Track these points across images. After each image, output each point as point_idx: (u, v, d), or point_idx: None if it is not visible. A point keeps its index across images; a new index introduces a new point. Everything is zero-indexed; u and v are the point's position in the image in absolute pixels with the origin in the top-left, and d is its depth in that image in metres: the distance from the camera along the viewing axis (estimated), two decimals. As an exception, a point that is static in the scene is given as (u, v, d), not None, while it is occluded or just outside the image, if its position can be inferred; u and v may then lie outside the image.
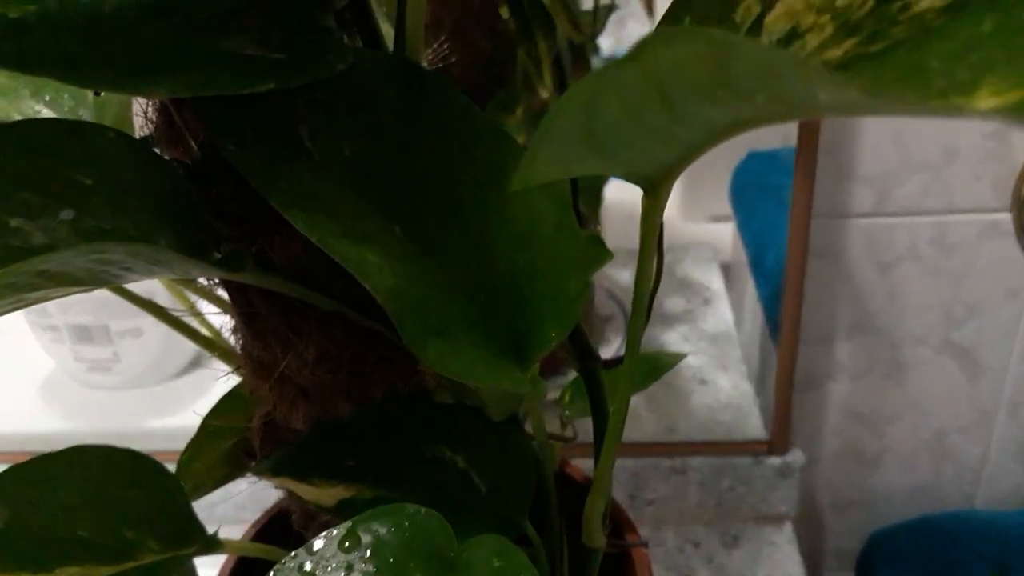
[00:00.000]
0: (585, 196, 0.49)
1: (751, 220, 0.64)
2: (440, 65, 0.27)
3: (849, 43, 0.15)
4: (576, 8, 0.63)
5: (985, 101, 0.09)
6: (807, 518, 0.60)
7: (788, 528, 0.56)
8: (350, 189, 0.21)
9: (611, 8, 0.63)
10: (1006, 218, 0.49)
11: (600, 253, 0.24)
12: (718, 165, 0.65)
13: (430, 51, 0.27)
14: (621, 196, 0.58)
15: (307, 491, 0.26)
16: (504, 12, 0.41)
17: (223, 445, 0.28)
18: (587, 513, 0.27)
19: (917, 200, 0.50)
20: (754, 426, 0.58)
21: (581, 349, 0.27)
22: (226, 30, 0.18)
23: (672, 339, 0.71)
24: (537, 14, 0.44)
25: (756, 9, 0.17)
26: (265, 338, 0.26)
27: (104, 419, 0.59)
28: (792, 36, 0.16)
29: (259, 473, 0.26)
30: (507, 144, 0.22)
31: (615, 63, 0.10)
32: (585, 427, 0.31)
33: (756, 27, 0.17)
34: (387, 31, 0.23)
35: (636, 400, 0.62)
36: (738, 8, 0.18)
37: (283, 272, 0.24)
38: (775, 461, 0.55)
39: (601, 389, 0.27)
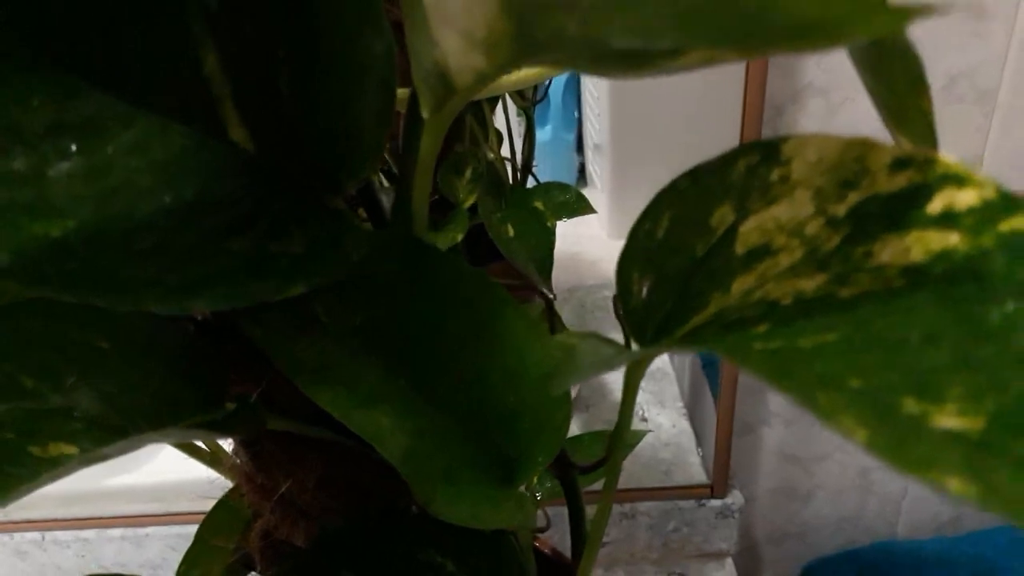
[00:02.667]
0: (537, 266, 0.51)
1: None
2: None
3: (821, 278, 0.17)
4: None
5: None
6: (746, 552, 0.63)
7: (729, 563, 0.59)
8: (362, 353, 0.22)
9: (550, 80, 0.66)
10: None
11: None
12: (644, 184, 0.68)
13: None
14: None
15: (308, 604, 0.28)
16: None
17: (221, 558, 0.29)
18: (569, 610, 0.28)
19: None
20: (693, 463, 0.61)
21: (561, 460, 0.29)
22: (251, 228, 0.20)
23: (612, 377, 0.74)
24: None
25: (731, 217, 0.19)
26: (267, 466, 0.27)
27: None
28: (764, 252, 0.18)
29: (260, 590, 0.27)
30: (495, 294, 0.24)
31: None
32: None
33: (730, 235, 0.19)
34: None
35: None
36: (714, 213, 0.20)
37: (285, 411, 0.25)
38: (716, 503, 0.58)
39: (579, 496, 0.29)
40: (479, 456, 0.25)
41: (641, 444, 0.66)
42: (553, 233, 0.54)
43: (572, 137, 0.78)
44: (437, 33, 0.17)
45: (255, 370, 0.25)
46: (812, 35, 0.11)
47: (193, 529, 0.58)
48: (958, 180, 0.15)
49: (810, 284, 0.17)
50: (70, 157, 0.19)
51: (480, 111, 0.63)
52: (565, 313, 0.80)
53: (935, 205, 0.15)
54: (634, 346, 0.22)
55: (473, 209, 0.57)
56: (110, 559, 0.58)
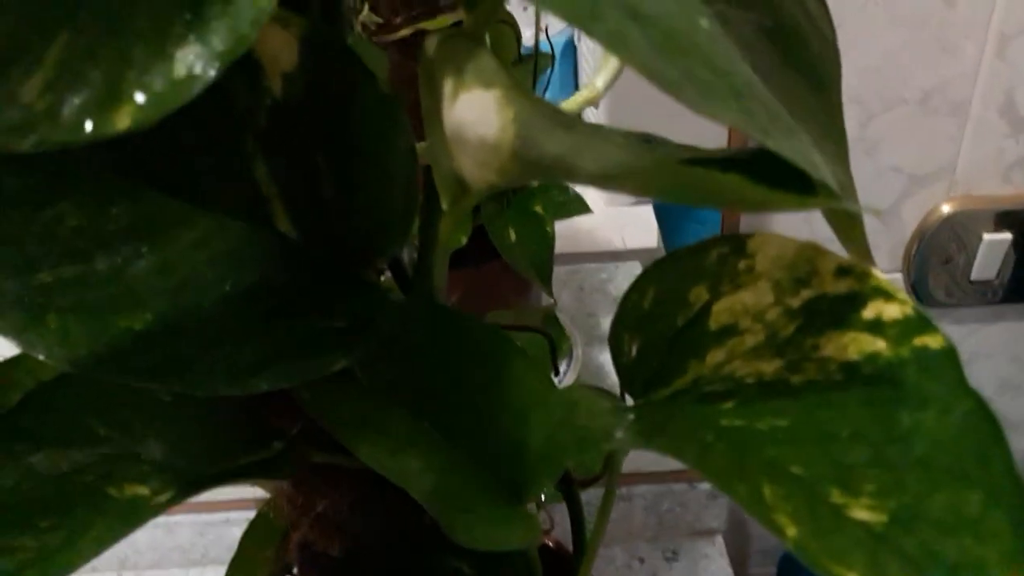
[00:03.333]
0: (537, 271, 0.54)
1: (677, 242, 0.70)
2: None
3: (777, 363, 0.20)
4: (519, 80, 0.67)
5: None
6: (735, 529, 0.68)
7: (719, 540, 0.64)
8: (393, 405, 0.26)
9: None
10: (898, 277, 0.57)
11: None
12: None
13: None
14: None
15: (344, 607, 0.32)
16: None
17: (263, 565, 0.33)
18: (570, 606, 0.33)
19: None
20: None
21: (563, 477, 0.33)
22: (299, 309, 0.23)
23: (609, 360, 0.78)
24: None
25: (705, 296, 0.23)
26: (305, 489, 0.30)
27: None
28: (732, 331, 0.22)
29: (302, 595, 0.31)
30: (506, 347, 0.28)
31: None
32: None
33: (705, 311, 0.23)
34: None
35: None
36: (692, 291, 0.23)
37: (321, 444, 0.29)
38: (706, 486, 0.62)
39: (579, 506, 0.33)
40: (491, 484, 0.29)
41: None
42: (552, 238, 0.57)
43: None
44: (456, 158, 0.20)
45: (292, 410, 0.28)
46: (749, 208, 0.15)
47: (220, 516, 0.62)
48: (886, 295, 0.18)
49: (769, 368, 0.20)
50: (144, 256, 0.22)
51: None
52: (564, 296, 0.83)
53: (868, 312, 0.19)
54: (628, 399, 0.25)
55: (474, 210, 0.60)
56: (145, 543, 0.62)
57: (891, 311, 0.18)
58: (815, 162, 0.16)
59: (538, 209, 0.60)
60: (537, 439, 0.29)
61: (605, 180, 0.16)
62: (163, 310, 0.22)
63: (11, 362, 0.28)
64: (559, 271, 0.93)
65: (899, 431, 0.16)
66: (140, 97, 0.16)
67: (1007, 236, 0.54)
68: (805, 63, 0.21)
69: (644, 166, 0.15)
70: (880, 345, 0.18)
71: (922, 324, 0.17)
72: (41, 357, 0.20)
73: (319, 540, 0.31)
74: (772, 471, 0.17)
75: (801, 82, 0.21)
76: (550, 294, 0.53)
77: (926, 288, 0.57)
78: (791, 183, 0.16)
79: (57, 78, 0.16)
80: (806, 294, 0.20)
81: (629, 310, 0.25)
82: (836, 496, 0.16)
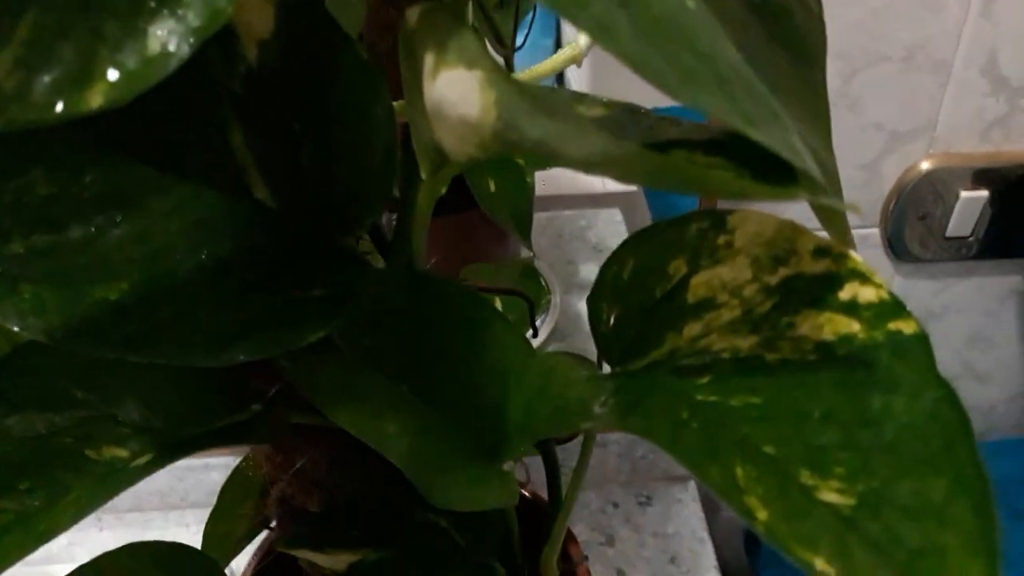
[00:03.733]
0: (516, 223, 0.54)
1: (657, 197, 0.70)
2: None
3: (753, 339, 0.20)
4: (500, 25, 0.66)
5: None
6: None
7: (692, 486, 0.65)
8: (370, 368, 0.26)
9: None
10: (875, 231, 0.57)
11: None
12: (623, 94, 0.69)
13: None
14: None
15: (322, 559, 0.32)
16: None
17: (243, 518, 0.34)
18: (544, 559, 0.33)
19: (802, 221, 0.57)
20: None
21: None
22: (277, 278, 0.23)
23: (580, 261, 0.78)
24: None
25: (684, 269, 0.23)
26: (283, 447, 0.31)
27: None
28: (709, 305, 0.22)
29: (282, 548, 0.32)
30: (485, 311, 0.28)
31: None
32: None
33: (683, 284, 0.23)
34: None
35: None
36: (671, 264, 0.23)
37: (300, 405, 0.29)
38: (681, 434, 0.63)
39: (555, 461, 0.34)
40: (468, 446, 0.29)
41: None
42: (532, 189, 0.57)
43: (551, 42, 0.76)
44: (437, 132, 0.20)
45: (270, 373, 0.28)
46: (732, 197, 0.15)
47: (199, 462, 0.62)
48: (862, 277, 0.19)
49: (744, 344, 0.21)
50: (118, 225, 0.22)
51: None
52: (542, 242, 0.83)
53: (845, 294, 0.19)
54: (605, 367, 0.26)
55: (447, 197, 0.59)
56: (123, 489, 0.63)
57: (867, 294, 0.18)
58: (798, 150, 0.16)
59: (518, 160, 0.60)
60: (515, 407, 0.29)
61: (587, 166, 0.15)
62: (138, 279, 0.21)
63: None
64: (538, 217, 0.92)
65: (870, 414, 0.17)
66: (113, 75, 0.16)
67: (983, 193, 0.55)
68: (791, 38, 0.21)
69: (626, 154, 0.15)
70: (855, 327, 0.18)
71: (897, 309, 0.18)
72: (15, 328, 0.20)
73: (298, 495, 0.32)
74: (744, 450, 0.17)
75: (786, 57, 0.21)
76: (529, 248, 0.53)
77: (902, 242, 0.58)
78: (774, 170, 0.16)
79: (26, 56, 0.15)
80: (783, 272, 0.21)
81: (608, 280, 0.25)
82: (806, 477, 0.16)
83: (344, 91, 0.23)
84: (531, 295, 0.48)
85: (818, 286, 0.20)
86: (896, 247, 0.58)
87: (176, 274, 0.22)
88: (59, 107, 0.15)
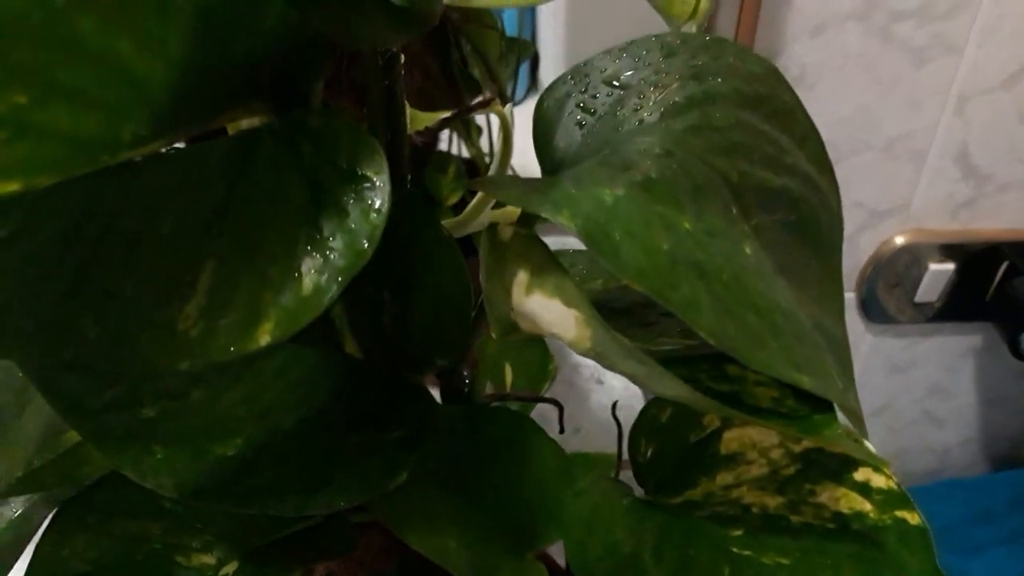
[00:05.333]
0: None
1: None
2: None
3: (780, 499, 0.24)
4: (496, 70, 0.68)
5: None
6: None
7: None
8: (433, 488, 0.29)
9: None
10: (851, 296, 0.62)
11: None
12: None
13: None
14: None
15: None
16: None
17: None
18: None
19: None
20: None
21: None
22: (364, 423, 0.26)
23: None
24: (464, 76, 0.51)
25: (717, 423, 0.27)
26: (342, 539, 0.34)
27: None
28: (740, 459, 0.26)
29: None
30: (528, 428, 0.31)
31: None
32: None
33: (716, 435, 0.27)
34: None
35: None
36: (705, 416, 0.27)
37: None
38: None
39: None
40: (509, 540, 0.32)
41: (596, 406, 0.75)
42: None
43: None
44: (519, 321, 0.23)
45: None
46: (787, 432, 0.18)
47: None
48: (875, 466, 0.22)
49: (772, 502, 0.24)
50: (234, 387, 0.24)
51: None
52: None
53: (859, 475, 0.23)
54: (639, 491, 0.29)
55: (456, 207, 0.62)
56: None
57: (879, 480, 0.22)
58: (836, 386, 0.20)
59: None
60: (552, 501, 0.32)
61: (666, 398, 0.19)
62: (250, 435, 0.24)
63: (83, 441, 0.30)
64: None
65: (882, 593, 0.21)
66: (276, 315, 0.18)
67: (950, 266, 0.59)
68: (816, 237, 0.25)
69: (698, 401, 0.18)
70: (867, 507, 0.22)
71: (903, 499, 0.22)
72: (150, 486, 0.23)
73: (344, 573, 0.35)
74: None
75: (812, 255, 0.25)
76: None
77: (874, 306, 0.62)
78: (815, 400, 0.20)
79: (208, 306, 0.18)
80: (807, 443, 0.24)
81: (648, 420, 0.28)
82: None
83: (425, 263, 0.26)
84: (539, 362, 0.51)
85: (836, 463, 0.23)
86: (869, 310, 0.62)
87: (280, 428, 0.25)
88: (233, 348, 0.18)
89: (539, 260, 0.21)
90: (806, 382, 0.19)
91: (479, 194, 0.35)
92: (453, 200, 0.63)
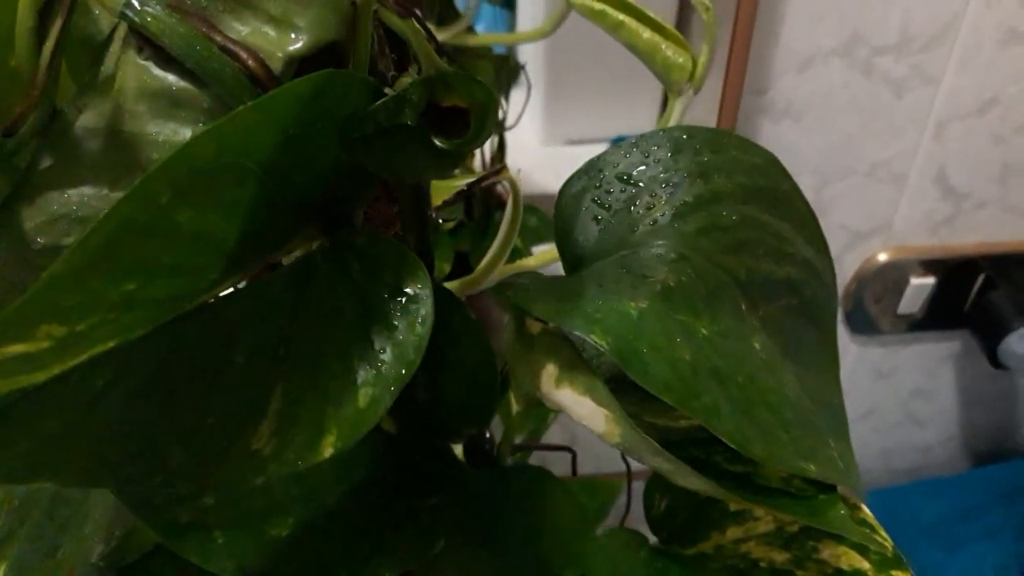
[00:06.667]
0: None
1: None
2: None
3: (786, 555, 0.27)
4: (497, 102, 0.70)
5: None
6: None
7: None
8: (465, 545, 0.31)
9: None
10: (838, 310, 0.64)
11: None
12: (580, 89, 0.68)
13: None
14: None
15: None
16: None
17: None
18: None
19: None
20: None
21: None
22: (400, 492, 0.28)
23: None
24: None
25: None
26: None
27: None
28: (748, 515, 0.28)
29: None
30: (549, 482, 0.33)
31: None
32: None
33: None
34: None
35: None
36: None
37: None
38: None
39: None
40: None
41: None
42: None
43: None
44: (546, 399, 0.25)
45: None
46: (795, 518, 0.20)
47: None
48: (871, 528, 0.25)
49: (779, 558, 0.27)
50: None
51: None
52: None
53: (858, 535, 0.25)
54: (652, 538, 0.32)
55: (453, 232, 0.64)
56: None
57: (876, 541, 0.25)
58: (839, 468, 0.22)
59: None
60: (570, 548, 0.35)
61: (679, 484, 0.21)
62: (300, 515, 0.26)
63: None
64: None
65: (882, 649, 0.23)
66: (337, 428, 0.20)
67: (930, 280, 0.62)
68: (814, 313, 0.27)
69: (718, 493, 0.20)
70: (865, 566, 0.25)
71: (898, 561, 0.24)
72: (213, 570, 0.25)
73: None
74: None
75: (811, 328, 0.27)
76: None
77: (860, 318, 0.65)
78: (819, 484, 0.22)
79: (279, 425, 0.20)
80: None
81: (662, 477, 0.30)
82: None
83: (455, 344, 0.28)
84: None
85: (837, 523, 0.26)
86: (854, 322, 0.65)
87: (325, 506, 0.27)
88: (301, 462, 0.20)
89: (568, 358, 0.23)
90: (812, 471, 0.21)
91: (491, 254, 0.37)
92: (450, 226, 0.64)
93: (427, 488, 0.29)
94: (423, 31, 0.20)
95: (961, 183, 0.57)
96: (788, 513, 0.21)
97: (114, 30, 0.21)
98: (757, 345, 0.23)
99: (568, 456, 0.41)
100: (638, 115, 0.69)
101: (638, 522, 0.33)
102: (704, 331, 0.22)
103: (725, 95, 0.48)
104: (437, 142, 0.20)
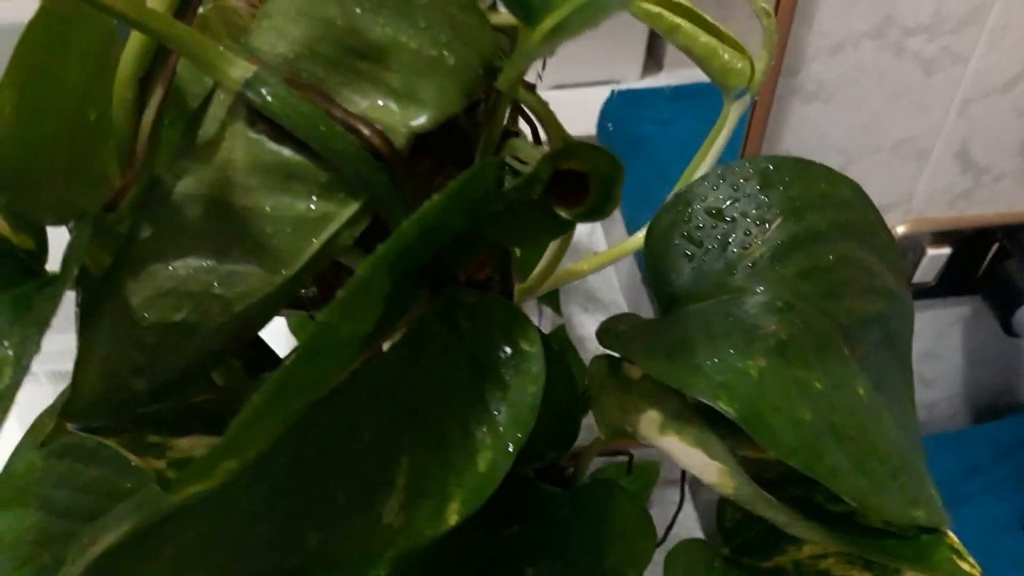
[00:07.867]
0: (547, 299, 0.59)
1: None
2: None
3: (867, 575, 0.27)
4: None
5: None
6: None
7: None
8: (541, 560, 0.32)
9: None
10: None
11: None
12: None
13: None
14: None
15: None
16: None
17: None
18: None
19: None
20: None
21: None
22: (492, 525, 0.28)
23: (573, 311, 0.84)
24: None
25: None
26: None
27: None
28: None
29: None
30: (623, 500, 0.34)
31: None
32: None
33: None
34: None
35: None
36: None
37: None
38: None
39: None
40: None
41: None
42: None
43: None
44: (641, 436, 0.26)
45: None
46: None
47: None
48: (958, 553, 0.25)
49: (861, 576, 0.27)
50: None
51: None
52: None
53: (941, 555, 0.26)
54: (725, 550, 0.32)
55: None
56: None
57: (963, 566, 0.25)
58: (944, 518, 0.22)
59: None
60: (637, 562, 0.35)
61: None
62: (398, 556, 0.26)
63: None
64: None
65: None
66: (461, 496, 0.20)
67: (947, 250, 0.63)
68: (895, 341, 0.27)
69: (830, 541, 0.21)
70: (954, 588, 0.25)
71: (984, 585, 0.25)
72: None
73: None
74: None
75: (893, 356, 0.27)
76: (559, 313, 0.58)
77: (874, 287, 0.66)
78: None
79: (406, 499, 0.20)
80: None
81: (733, 491, 0.31)
82: None
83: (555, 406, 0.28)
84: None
85: (923, 547, 0.26)
86: (870, 291, 0.66)
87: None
88: (428, 532, 0.20)
89: (675, 408, 0.23)
90: (921, 517, 0.22)
91: (544, 261, 0.37)
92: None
93: (513, 516, 0.29)
94: (543, 101, 0.19)
95: (981, 157, 0.57)
96: (898, 559, 0.22)
97: (211, 94, 0.20)
98: (861, 391, 0.23)
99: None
100: (623, 59, 0.68)
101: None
102: (818, 385, 0.22)
103: (763, 80, 0.47)
104: (561, 213, 0.19)
